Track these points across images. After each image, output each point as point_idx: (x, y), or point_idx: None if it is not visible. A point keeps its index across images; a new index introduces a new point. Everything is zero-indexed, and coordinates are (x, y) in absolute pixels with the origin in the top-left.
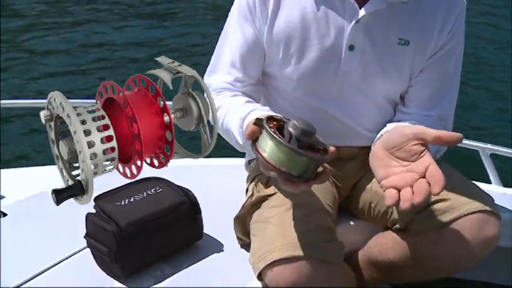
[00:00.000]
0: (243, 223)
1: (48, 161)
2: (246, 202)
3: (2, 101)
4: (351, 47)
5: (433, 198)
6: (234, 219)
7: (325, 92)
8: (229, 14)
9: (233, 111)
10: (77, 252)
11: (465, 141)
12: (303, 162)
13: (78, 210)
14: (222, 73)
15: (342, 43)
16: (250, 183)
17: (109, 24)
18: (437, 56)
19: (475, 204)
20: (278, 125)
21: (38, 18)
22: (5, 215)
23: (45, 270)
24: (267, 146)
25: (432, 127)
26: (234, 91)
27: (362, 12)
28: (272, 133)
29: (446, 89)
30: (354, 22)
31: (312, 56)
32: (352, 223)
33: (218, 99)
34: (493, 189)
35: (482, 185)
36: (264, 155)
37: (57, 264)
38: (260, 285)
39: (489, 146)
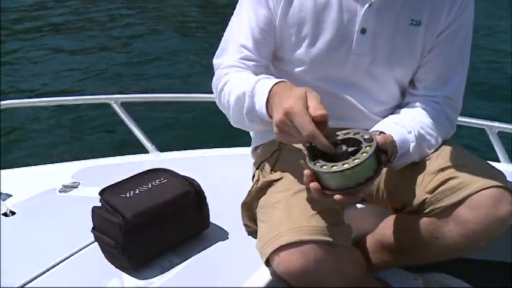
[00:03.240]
0: (249, 209)
1: (53, 159)
2: (252, 188)
3: (3, 102)
4: (363, 30)
5: (444, 176)
6: (241, 205)
7: (337, 75)
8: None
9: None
10: (85, 247)
11: (472, 120)
12: (369, 164)
13: (84, 206)
14: (233, 53)
15: (354, 26)
16: (257, 169)
17: None
18: (444, 35)
19: (488, 180)
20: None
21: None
22: (13, 213)
23: (54, 266)
24: (335, 180)
25: (438, 108)
26: (245, 70)
27: None
28: (334, 171)
29: (453, 69)
30: (366, 6)
31: (324, 39)
32: (359, 207)
33: (228, 74)
34: (502, 167)
35: (490, 164)
36: (338, 189)
37: (66, 259)
38: (264, 277)
39: (496, 123)
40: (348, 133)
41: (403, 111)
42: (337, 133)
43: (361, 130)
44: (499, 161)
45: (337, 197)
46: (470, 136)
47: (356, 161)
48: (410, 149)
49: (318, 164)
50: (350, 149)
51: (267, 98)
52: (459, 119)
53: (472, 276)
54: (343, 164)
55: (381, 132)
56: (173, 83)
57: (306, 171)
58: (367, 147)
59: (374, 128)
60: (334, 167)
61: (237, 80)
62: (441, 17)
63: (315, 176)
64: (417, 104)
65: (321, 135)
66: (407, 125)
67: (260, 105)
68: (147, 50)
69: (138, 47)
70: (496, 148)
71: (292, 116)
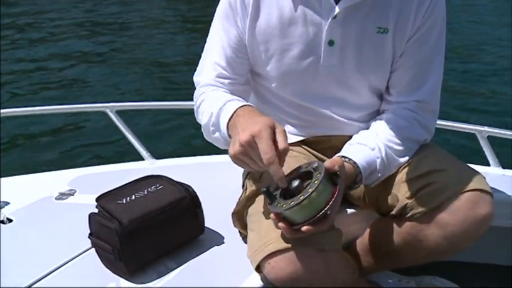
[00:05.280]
0: (240, 218)
1: (49, 168)
2: (241, 197)
3: (3, 110)
4: (331, 42)
5: (423, 181)
6: (232, 215)
7: (311, 88)
8: (214, 17)
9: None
10: (82, 253)
11: (462, 125)
12: (323, 188)
13: (80, 213)
14: (209, 71)
15: (321, 39)
16: (245, 178)
17: None
18: (414, 40)
19: (466, 184)
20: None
21: None
22: (10, 220)
23: (52, 272)
24: (297, 214)
25: (409, 116)
26: (220, 88)
27: (337, 9)
28: (293, 206)
29: (426, 73)
30: (331, 18)
31: (292, 54)
32: (349, 212)
33: (204, 94)
34: (492, 171)
35: (480, 168)
36: (305, 221)
37: (64, 265)
38: (259, 281)
39: (486, 128)
40: (300, 168)
41: (371, 124)
42: (291, 171)
43: (312, 162)
44: (489, 165)
45: (304, 228)
46: (460, 141)
47: (309, 190)
48: (377, 165)
49: (278, 205)
50: (305, 183)
51: (229, 118)
52: (449, 124)
53: (463, 279)
54: (299, 197)
55: (342, 157)
56: (168, 91)
57: (272, 216)
58: (318, 175)
59: (340, 153)
60: (292, 203)
61: (210, 99)
62: (408, 22)
63: (281, 217)
64: (388, 113)
65: (278, 164)
66: (371, 142)
67: (223, 123)
68: (143, 57)
69: (134, 54)
70: (486, 152)
71: (259, 139)
